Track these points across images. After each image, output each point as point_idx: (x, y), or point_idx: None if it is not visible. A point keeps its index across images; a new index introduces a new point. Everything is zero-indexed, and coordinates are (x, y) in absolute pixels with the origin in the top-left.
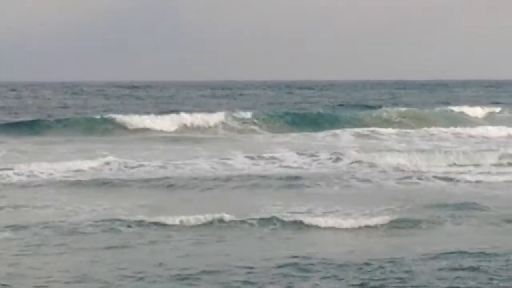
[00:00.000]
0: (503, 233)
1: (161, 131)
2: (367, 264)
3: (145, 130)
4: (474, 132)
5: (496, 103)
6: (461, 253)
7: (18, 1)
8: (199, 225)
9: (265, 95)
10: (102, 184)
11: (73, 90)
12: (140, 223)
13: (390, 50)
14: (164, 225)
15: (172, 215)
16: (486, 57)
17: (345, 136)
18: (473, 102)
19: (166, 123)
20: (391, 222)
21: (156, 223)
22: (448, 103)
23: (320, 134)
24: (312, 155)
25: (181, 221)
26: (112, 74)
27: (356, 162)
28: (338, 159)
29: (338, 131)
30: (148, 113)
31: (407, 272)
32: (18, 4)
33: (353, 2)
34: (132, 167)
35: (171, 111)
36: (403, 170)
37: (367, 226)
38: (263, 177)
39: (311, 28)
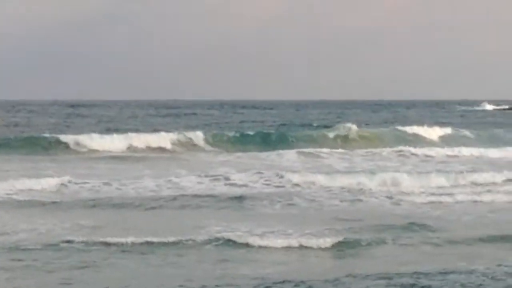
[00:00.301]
0: (444, 253)
1: (107, 151)
2: (300, 283)
3: (91, 149)
4: (429, 152)
5: (441, 123)
6: (399, 274)
7: None
8: (140, 245)
9: (210, 114)
10: (43, 204)
11: (14, 109)
12: (81, 243)
13: (329, 71)
14: (107, 244)
15: (113, 235)
16: (430, 78)
17: (290, 156)
18: (420, 122)
19: (112, 142)
20: (332, 242)
21: (96, 243)
22: (393, 123)
23: (265, 154)
24: (257, 174)
25: (118, 242)
26: (50, 92)
27: (301, 181)
28: (282, 179)
29: (282, 151)
30: (93, 132)
31: None
32: None
33: (293, 23)
34: (76, 186)
35: (116, 130)
36: (348, 191)
37: (305, 246)
38: (208, 196)
39: (250, 48)
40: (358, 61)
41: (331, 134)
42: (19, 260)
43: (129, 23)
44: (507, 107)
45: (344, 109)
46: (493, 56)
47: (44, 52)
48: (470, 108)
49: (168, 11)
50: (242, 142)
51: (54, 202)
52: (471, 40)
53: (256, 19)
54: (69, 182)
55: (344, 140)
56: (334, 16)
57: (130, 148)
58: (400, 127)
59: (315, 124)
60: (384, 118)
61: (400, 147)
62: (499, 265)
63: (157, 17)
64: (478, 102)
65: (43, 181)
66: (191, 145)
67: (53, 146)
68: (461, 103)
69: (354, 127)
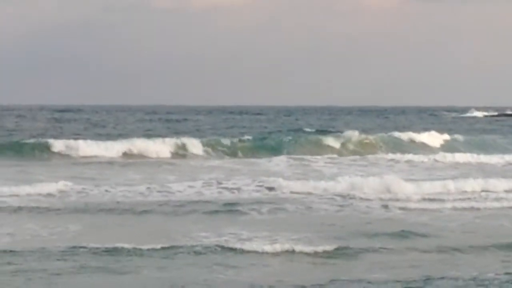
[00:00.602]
0: (431, 260)
1: (99, 156)
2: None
3: (83, 155)
4: (429, 158)
5: (438, 130)
6: (386, 282)
7: None
8: (134, 251)
9: (200, 119)
10: (32, 209)
11: (8, 113)
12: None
13: (318, 76)
14: (95, 249)
15: (97, 241)
16: (415, 85)
17: (281, 162)
18: (415, 129)
19: (105, 148)
20: (322, 248)
21: (83, 247)
22: (388, 129)
23: (257, 160)
24: (248, 180)
25: (106, 248)
26: (36, 97)
27: (286, 188)
28: (273, 185)
29: (275, 157)
30: (82, 136)
31: None
32: None
33: (279, 28)
34: (71, 191)
35: (106, 135)
36: (341, 197)
37: (295, 252)
38: (198, 202)
39: (239, 53)
40: (344, 67)
41: (329, 140)
42: (8, 263)
43: (117, 29)
44: (496, 113)
45: (333, 115)
46: (479, 64)
47: (32, 56)
48: (460, 115)
49: (160, 17)
50: (236, 148)
51: (47, 208)
52: (457, 48)
53: (247, 25)
54: (65, 186)
55: (344, 147)
56: (323, 22)
57: (125, 153)
58: (397, 133)
59: (308, 130)
60: (378, 124)
61: (399, 154)
62: (487, 273)
63: (147, 23)
64: (465, 109)
65: (38, 186)
66: (184, 151)
67: (42, 151)
68: (448, 109)
69: (355, 133)
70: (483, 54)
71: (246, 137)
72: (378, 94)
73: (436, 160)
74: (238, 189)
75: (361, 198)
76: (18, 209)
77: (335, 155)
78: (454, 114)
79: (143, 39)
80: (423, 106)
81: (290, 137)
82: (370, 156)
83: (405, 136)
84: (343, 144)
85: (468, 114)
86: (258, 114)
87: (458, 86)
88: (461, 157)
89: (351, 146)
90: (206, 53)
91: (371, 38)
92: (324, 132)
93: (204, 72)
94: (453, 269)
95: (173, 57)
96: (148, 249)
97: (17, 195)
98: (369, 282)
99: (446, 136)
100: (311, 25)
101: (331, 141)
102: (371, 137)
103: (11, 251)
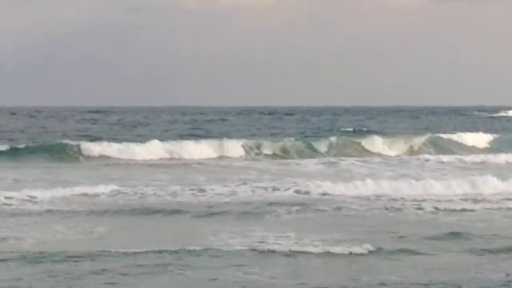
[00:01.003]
0: (484, 263)
1: (142, 159)
2: None
3: (127, 158)
4: (479, 159)
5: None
6: (438, 284)
7: None
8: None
9: (229, 120)
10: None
11: (39, 115)
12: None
13: (343, 76)
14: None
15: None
16: (445, 84)
17: (324, 163)
18: (454, 129)
19: (149, 150)
20: (361, 250)
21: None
22: (428, 129)
23: (295, 161)
24: (286, 181)
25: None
26: (63, 99)
27: (332, 190)
28: (308, 188)
29: (315, 159)
30: (117, 139)
31: None
32: None
33: (304, 29)
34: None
35: (141, 136)
36: (391, 199)
37: (335, 254)
38: (232, 203)
39: (265, 54)
40: (370, 67)
41: (371, 141)
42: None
43: (143, 30)
44: None
45: (365, 115)
46: (505, 63)
47: (58, 58)
48: (491, 115)
49: (186, 18)
50: (274, 149)
51: (108, 211)
52: (482, 48)
53: (272, 26)
54: (98, 188)
55: (386, 147)
56: (350, 22)
57: (160, 155)
58: (441, 135)
59: (347, 130)
60: (411, 124)
61: (454, 155)
62: None
63: (173, 24)
64: (496, 109)
65: (69, 188)
66: (220, 152)
67: (74, 153)
68: (478, 109)
69: (397, 134)
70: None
71: (286, 138)
72: (403, 94)
73: (497, 163)
74: (273, 189)
75: (414, 200)
76: (48, 212)
77: (376, 158)
78: (485, 114)
79: (169, 40)
80: (451, 106)
81: (332, 138)
82: (419, 157)
83: (455, 137)
84: (384, 145)
85: (501, 114)
86: (288, 114)
87: (485, 85)
88: None
89: (394, 147)
90: (232, 54)
91: (396, 38)
92: (361, 132)
93: (229, 73)
94: (493, 272)
95: (198, 57)
96: (177, 251)
97: (48, 197)
98: (417, 284)
99: (490, 136)
100: (338, 25)
101: (371, 142)
102: (418, 138)
103: (63, 252)
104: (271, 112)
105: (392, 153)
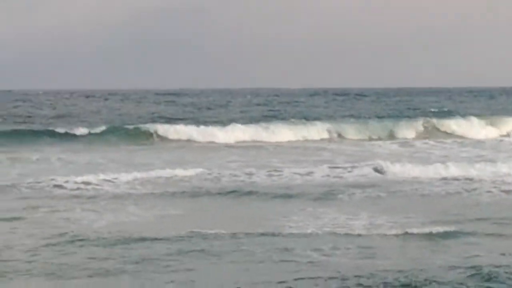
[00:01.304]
0: None
1: (212, 142)
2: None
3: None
4: None
5: None
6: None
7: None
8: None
9: (306, 102)
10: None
11: (112, 97)
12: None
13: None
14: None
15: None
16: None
17: (397, 145)
18: None
19: (235, 133)
20: (432, 230)
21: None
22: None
23: (376, 143)
24: (362, 163)
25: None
26: (136, 81)
27: (404, 172)
28: (386, 169)
29: (388, 141)
30: (193, 121)
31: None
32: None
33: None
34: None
35: (216, 118)
36: (467, 180)
37: (408, 234)
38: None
39: (342, 35)
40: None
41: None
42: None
43: (218, 13)
44: None
45: (434, 97)
46: None
47: (138, 40)
48: None
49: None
50: (356, 131)
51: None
52: None
53: (344, 6)
54: (205, 173)
55: (470, 129)
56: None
57: (237, 138)
58: None
59: (429, 110)
60: (489, 105)
61: None
62: None
63: (250, 6)
64: None
65: (145, 171)
66: (305, 135)
67: (148, 136)
68: None
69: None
70: None
71: (366, 120)
72: (474, 74)
73: None
74: (352, 169)
75: (492, 182)
76: (125, 194)
77: (460, 139)
78: None
79: (245, 22)
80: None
81: (425, 118)
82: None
83: None
84: (469, 127)
85: None
86: (361, 95)
87: None
88: None
89: (479, 129)
90: (308, 35)
91: (469, 20)
92: (446, 113)
93: (300, 54)
94: None
95: (273, 39)
96: (251, 233)
97: (124, 180)
98: (480, 266)
99: None
100: (413, 6)
101: (457, 124)
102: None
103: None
104: (343, 93)
105: (489, 135)
